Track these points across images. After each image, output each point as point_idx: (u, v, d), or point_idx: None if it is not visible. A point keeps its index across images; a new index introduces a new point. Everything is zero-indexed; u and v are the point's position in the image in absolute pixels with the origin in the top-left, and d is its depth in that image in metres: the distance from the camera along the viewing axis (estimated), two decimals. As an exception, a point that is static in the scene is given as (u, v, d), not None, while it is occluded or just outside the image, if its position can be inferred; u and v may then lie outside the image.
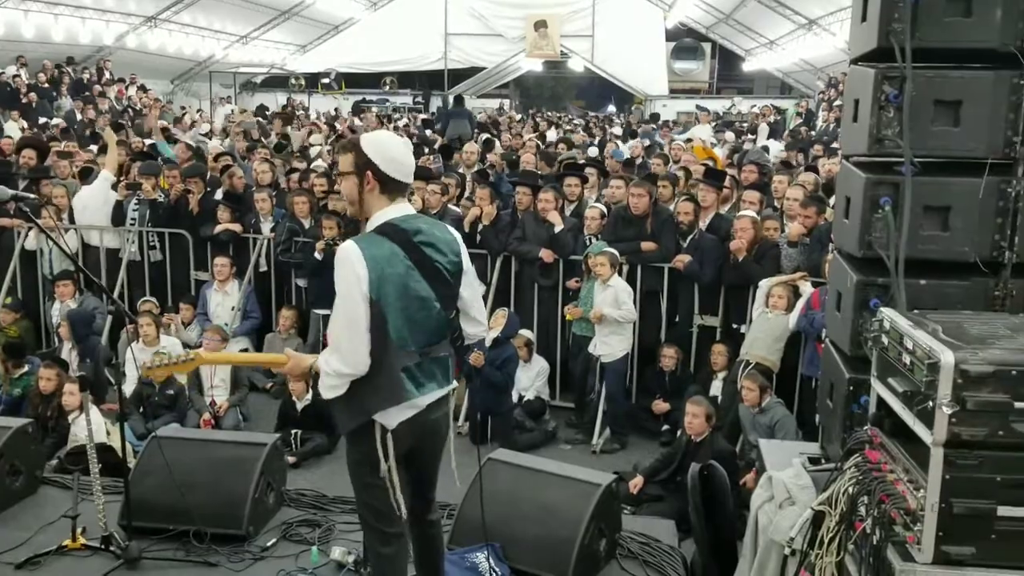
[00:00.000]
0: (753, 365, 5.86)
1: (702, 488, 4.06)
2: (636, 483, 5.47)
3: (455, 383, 3.23)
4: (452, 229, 3.25)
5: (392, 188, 3.07)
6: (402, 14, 25.17)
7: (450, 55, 25.43)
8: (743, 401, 5.66)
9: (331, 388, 2.99)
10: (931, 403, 2.50)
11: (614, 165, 10.29)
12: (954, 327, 2.71)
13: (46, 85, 17.93)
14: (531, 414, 6.78)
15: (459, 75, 26.71)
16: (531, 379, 6.93)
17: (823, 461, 3.62)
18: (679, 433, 5.78)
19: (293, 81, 26.11)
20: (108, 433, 5.72)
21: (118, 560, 4.03)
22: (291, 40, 26.34)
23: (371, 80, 26.90)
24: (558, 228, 7.13)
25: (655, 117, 22.91)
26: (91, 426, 4.30)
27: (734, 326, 6.64)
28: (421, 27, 24.93)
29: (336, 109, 23.46)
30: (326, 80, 25.84)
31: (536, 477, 4.21)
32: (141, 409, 6.49)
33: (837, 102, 16.92)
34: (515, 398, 6.74)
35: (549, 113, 25.29)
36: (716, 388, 6.34)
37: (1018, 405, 2.45)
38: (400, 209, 3.09)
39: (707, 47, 29.23)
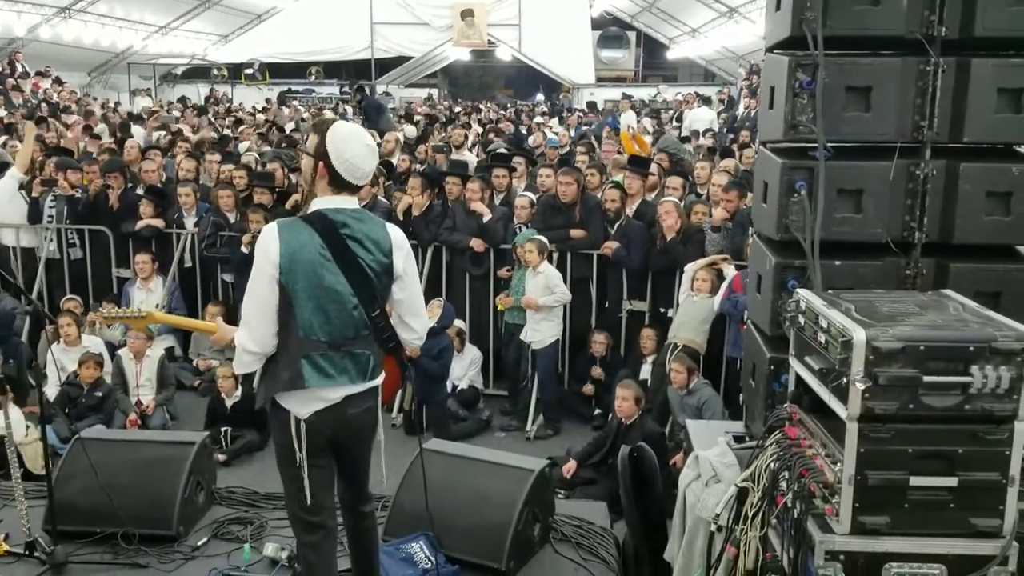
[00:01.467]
0: (681, 348, 5.98)
1: (632, 470, 4.14)
2: (569, 467, 5.54)
3: (377, 380, 3.19)
4: (393, 230, 3.20)
5: (340, 184, 3.08)
6: (327, 3, 24.78)
7: (376, 44, 25.14)
8: (672, 383, 5.77)
9: (242, 364, 3.10)
10: (845, 379, 2.60)
11: (552, 154, 10.26)
12: (866, 306, 2.82)
13: (-48, 78, 17.20)
14: (465, 403, 6.80)
15: (386, 65, 26.46)
16: (464, 368, 6.95)
17: (747, 439, 3.72)
18: (610, 417, 5.88)
19: (215, 72, 25.52)
20: (25, 435, 5.55)
21: (44, 565, 3.94)
22: (212, 30, 25.69)
23: (296, 70, 26.46)
24: (486, 218, 7.16)
25: (592, 106, 22.95)
26: (10, 428, 4.17)
27: (661, 310, 6.77)
28: (346, 16, 24.55)
29: (268, 100, 22.99)
30: (249, 71, 25.31)
31: (469, 465, 4.23)
32: (66, 411, 6.30)
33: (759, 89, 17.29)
34: (448, 388, 6.75)
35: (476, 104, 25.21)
36: (646, 371, 6.46)
37: (927, 379, 2.55)
38: (339, 201, 3.09)
39: (632, 36, 29.55)
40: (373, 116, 15.18)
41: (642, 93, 25.56)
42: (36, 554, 3.97)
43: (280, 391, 3.04)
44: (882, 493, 2.61)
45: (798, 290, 3.15)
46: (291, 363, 3.01)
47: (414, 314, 3.24)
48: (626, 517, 4.24)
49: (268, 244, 2.98)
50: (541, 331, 6.58)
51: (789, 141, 3.49)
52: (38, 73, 19.71)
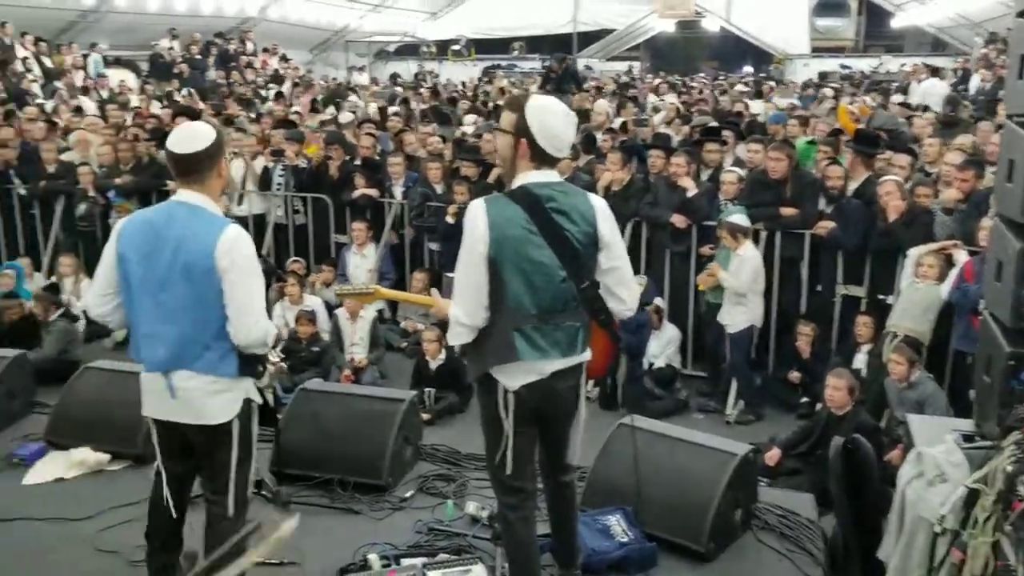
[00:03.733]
0: (901, 338, 5.59)
1: (846, 463, 3.93)
2: (773, 455, 5.34)
3: (584, 355, 3.19)
4: (596, 200, 3.19)
5: (541, 158, 3.09)
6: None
7: (579, 18, 25.15)
8: (889, 375, 5.42)
9: (455, 335, 3.14)
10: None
11: (776, 130, 9.82)
12: None
13: (197, 56, 18.84)
14: (661, 382, 6.71)
15: (588, 38, 26.40)
16: (661, 347, 6.86)
17: (978, 439, 3.43)
18: (819, 406, 5.61)
19: (424, 49, 26.44)
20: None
21: (269, 503, 4.28)
22: (422, 8, 26.65)
23: (500, 46, 26.94)
24: (691, 192, 6.99)
25: (824, 76, 21.58)
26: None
27: (880, 297, 6.35)
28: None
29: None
30: (456, 47, 26.04)
31: (670, 443, 4.18)
32: (288, 364, 6.80)
33: (999, 60, 15.69)
34: (645, 366, 6.69)
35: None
36: (859, 361, 6.09)
37: None
38: (542, 175, 3.10)
39: (853, 2, 27.70)
40: (568, 87, 15.17)
41: (862, 64, 24.00)
42: (263, 492, 4.32)
43: (493, 364, 3.09)
44: None
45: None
46: (503, 335, 3.05)
47: (623, 284, 3.21)
48: (837, 511, 4.04)
49: (476, 221, 3.03)
50: (734, 315, 6.36)
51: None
52: (265, 51, 21.22)
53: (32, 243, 8.74)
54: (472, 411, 5.85)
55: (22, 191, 8.70)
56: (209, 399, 3.10)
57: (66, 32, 17.46)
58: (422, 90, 16.99)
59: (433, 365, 6.57)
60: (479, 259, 3.02)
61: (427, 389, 6.43)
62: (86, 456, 4.50)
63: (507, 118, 3.14)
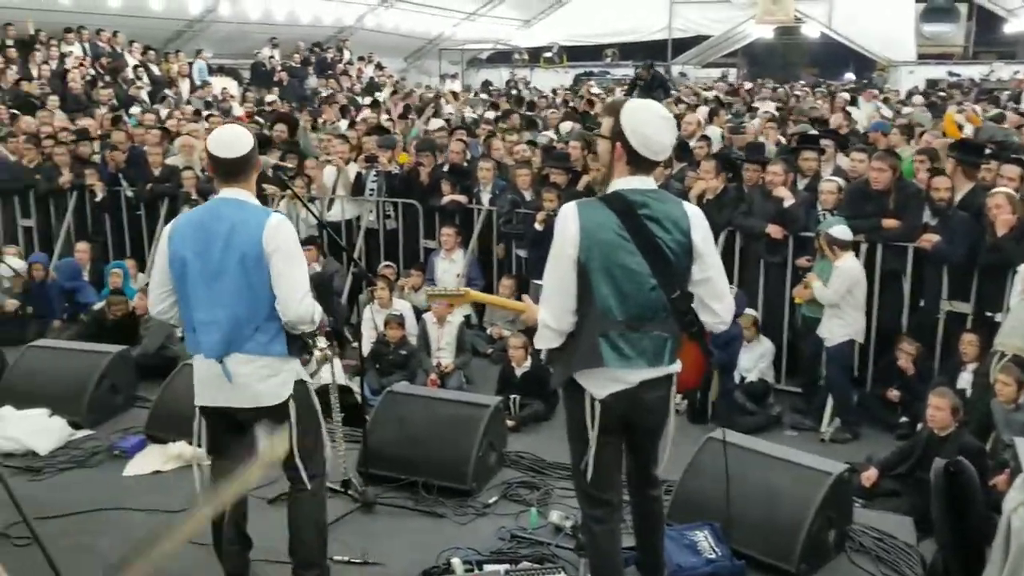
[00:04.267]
0: (1009, 357, 5.31)
1: (948, 486, 3.74)
2: (870, 476, 5.13)
3: (673, 367, 3.13)
4: (691, 208, 3.14)
5: (638, 162, 3.05)
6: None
7: (674, 24, 24.87)
8: (996, 396, 5.15)
9: (543, 339, 3.15)
10: None
11: (877, 138, 9.48)
12: None
13: (297, 65, 19.39)
14: (753, 396, 6.54)
15: (682, 45, 26.10)
16: (754, 360, 6.68)
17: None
18: (919, 426, 5.37)
19: (516, 56, 26.57)
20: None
21: (355, 503, 4.33)
22: (516, 15, 26.80)
23: (592, 53, 26.86)
24: (787, 202, 6.81)
25: (932, 84, 20.69)
26: (335, 377, 4.61)
27: (987, 314, 6.04)
28: (645, -3, 24.58)
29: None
30: (548, 54, 26.09)
31: (761, 460, 4.07)
32: (377, 366, 6.91)
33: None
34: (736, 379, 6.53)
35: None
36: (964, 380, 5.80)
37: None
38: (638, 182, 3.06)
39: (963, 7, 26.60)
40: (656, 95, 14.99)
41: (972, 71, 23.02)
42: (349, 492, 4.38)
43: (578, 369, 3.07)
44: None
45: None
46: (589, 341, 3.03)
47: (716, 296, 3.13)
48: (937, 536, 3.86)
49: (567, 224, 3.02)
50: (833, 328, 6.15)
51: None
52: (360, 59, 21.70)
53: (138, 244, 9.10)
54: (557, 419, 5.82)
55: (129, 193, 9.08)
56: (262, 383, 3.29)
57: (173, 41, 18.21)
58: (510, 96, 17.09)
59: (519, 372, 6.56)
60: (568, 262, 3.00)
61: (512, 396, 6.42)
62: (182, 450, 4.64)
63: (605, 122, 3.14)
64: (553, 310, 3.07)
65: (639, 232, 2.99)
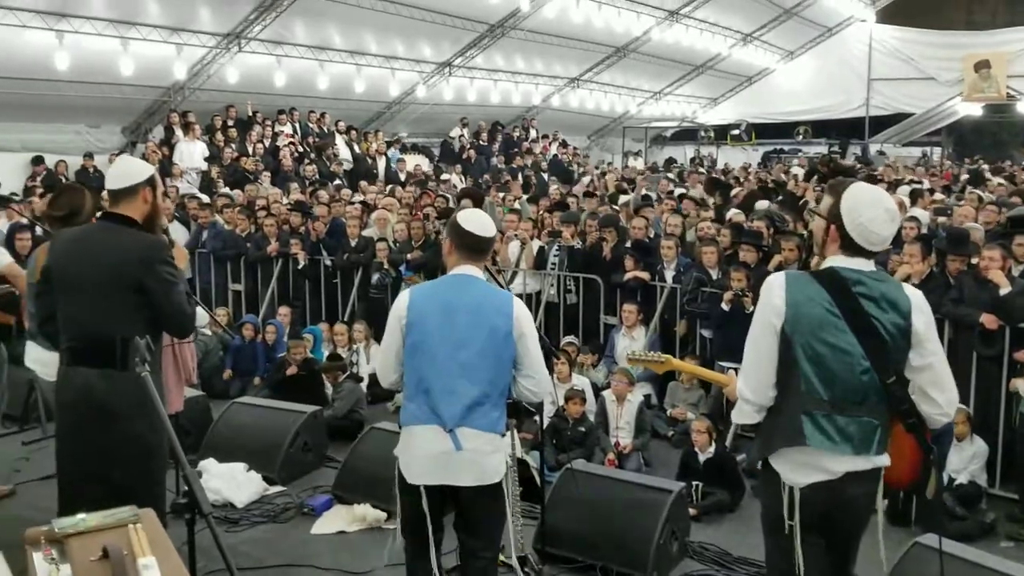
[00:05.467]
0: None
1: None
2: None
3: (882, 459, 2.88)
4: (912, 291, 2.94)
5: (853, 248, 2.92)
6: (820, 62, 24.36)
7: (873, 101, 24.01)
8: None
9: (741, 414, 3.03)
10: None
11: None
12: None
13: (483, 143, 20.20)
14: (963, 500, 5.94)
15: (881, 122, 25.10)
16: (965, 461, 6.09)
17: None
18: None
19: (702, 133, 26.46)
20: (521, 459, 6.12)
21: (532, 582, 4.25)
22: (702, 93, 26.80)
23: (783, 130, 26.32)
24: (1004, 291, 6.26)
25: None
26: (514, 449, 4.59)
27: None
28: (841, 74, 23.91)
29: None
30: (736, 131, 25.81)
31: (975, 571, 3.66)
32: (554, 441, 6.85)
33: None
34: (944, 480, 5.98)
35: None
36: None
37: None
38: (853, 262, 2.91)
39: None
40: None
41: None
42: (526, 569, 4.30)
43: (777, 448, 2.91)
44: None
45: None
46: (790, 418, 2.87)
47: (938, 386, 2.89)
48: None
49: (772, 293, 2.91)
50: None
51: None
52: (544, 136, 22.31)
53: (332, 310, 9.60)
54: (744, 511, 5.54)
55: (328, 262, 9.63)
56: (487, 458, 3.30)
57: (373, 122, 19.47)
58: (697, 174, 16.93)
59: (702, 458, 6.29)
60: (771, 334, 2.89)
61: (694, 482, 6.16)
62: (367, 512, 4.75)
63: (825, 201, 3.04)
64: (752, 383, 2.95)
65: (853, 310, 2.84)
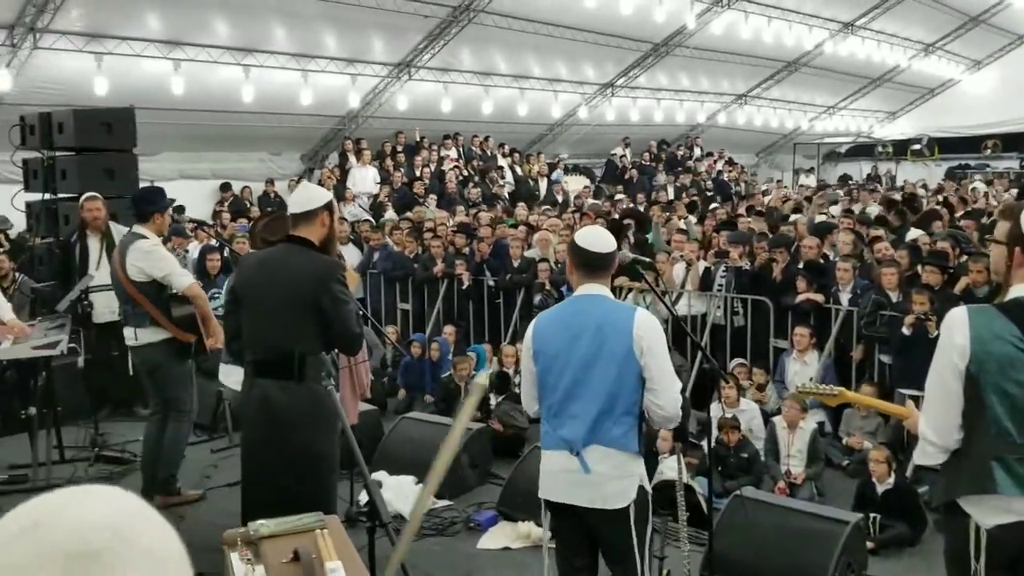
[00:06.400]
0: None
1: None
2: None
3: None
4: None
5: None
6: (1010, 71, 22.67)
7: (1078, 111, 22.08)
8: None
9: (923, 455, 2.86)
10: None
11: None
12: None
13: (647, 163, 20.05)
14: None
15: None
16: None
17: None
18: None
19: (880, 149, 25.15)
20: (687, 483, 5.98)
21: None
22: (880, 107, 25.51)
23: (968, 144, 24.62)
24: None
25: None
26: (681, 474, 4.49)
27: None
28: (1036, 83, 22.15)
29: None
30: (916, 146, 24.38)
31: None
32: (719, 468, 6.65)
33: None
34: None
35: None
36: None
37: None
38: None
39: None
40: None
41: None
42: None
43: (964, 494, 2.71)
44: None
45: None
46: (979, 462, 2.66)
47: None
48: None
49: (954, 330, 2.71)
50: None
51: None
52: (709, 154, 21.88)
53: (494, 329, 9.77)
54: (925, 546, 5.21)
55: (491, 283, 9.81)
56: (613, 483, 3.25)
57: (535, 144, 19.75)
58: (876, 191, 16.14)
59: (880, 489, 5.93)
60: (954, 374, 2.69)
61: (872, 515, 5.81)
62: (531, 529, 4.78)
63: (1001, 227, 2.83)
64: (935, 424, 2.76)
65: None
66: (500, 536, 5.00)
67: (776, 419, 6.93)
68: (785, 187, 19.60)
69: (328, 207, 3.82)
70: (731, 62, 19.41)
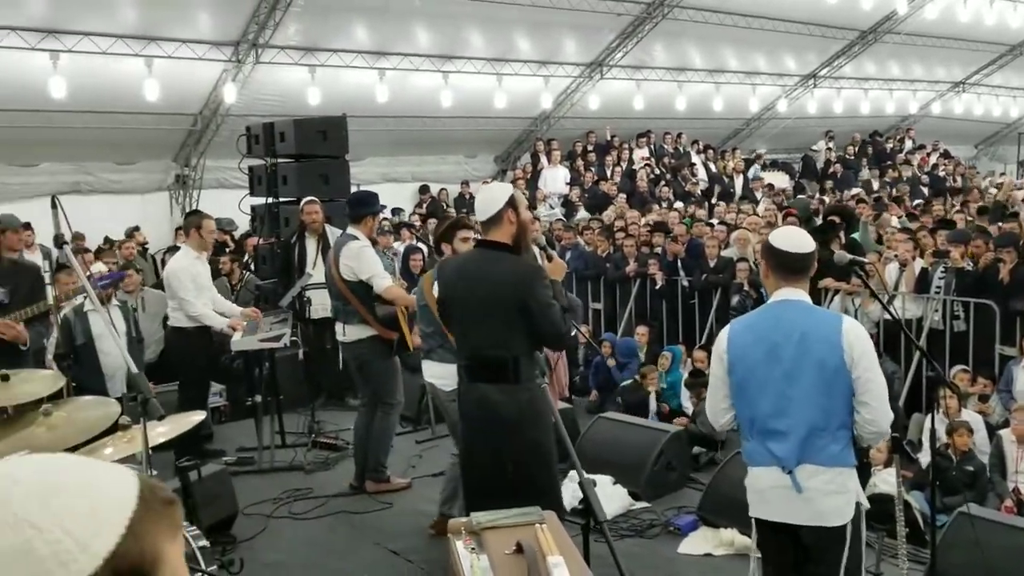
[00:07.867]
0: None
1: None
2: None
3: None
4: None
5: None
6: None
7: None
8: None
9: None
10: None
11: None
12: None
13: (851, 157, 18.97)
14: None
15: None
16: None
17: None
18: None
19: (1121, 137, 22.52)
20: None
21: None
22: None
23: None
24: None
25: None
26: (900, 488, 4.22)
27: None
28: None
29: None
30: None
31: None
32: (937, 482, 6.18)
33: None
34: None
35: None
36: None
37: None
38: None
39: None
40: None
41: None
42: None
43: None
44: None
45: None
46: None
47: None
48: None
49: None
50: None
51: None
52: (921, 147, 20.40)
53: (689, 330, 9.55)
54: None
55: (685, 283, 9.62)
56: (828, 499, 3.08)
57: (730, 139, 19.18)
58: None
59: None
60: None
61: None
62: (735, 537, 4.65)
63: None
64: None
65: None
66: (701, 542, 4.89)
67: (1003, 432, 6.38)
68: (1015, 182, 17.91)
69: (511, 203, 3.76)
70: (947, 47, 18.00)
